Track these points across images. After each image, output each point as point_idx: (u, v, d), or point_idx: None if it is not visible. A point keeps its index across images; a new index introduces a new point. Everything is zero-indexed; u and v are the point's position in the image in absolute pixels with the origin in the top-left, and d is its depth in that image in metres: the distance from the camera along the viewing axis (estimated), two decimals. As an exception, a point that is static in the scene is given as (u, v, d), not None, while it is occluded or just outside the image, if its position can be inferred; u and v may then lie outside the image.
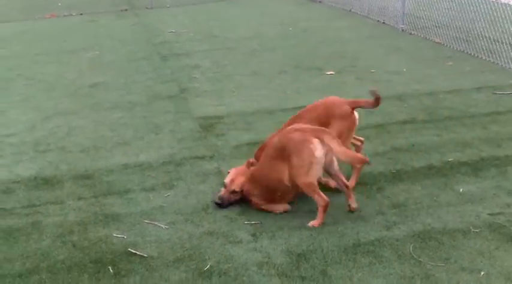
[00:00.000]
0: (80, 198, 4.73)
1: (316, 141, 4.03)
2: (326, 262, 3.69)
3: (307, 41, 10.23)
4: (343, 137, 4.39)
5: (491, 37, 8.58)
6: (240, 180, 4.43)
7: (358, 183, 4.66)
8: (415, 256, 3.70)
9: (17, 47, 10.99)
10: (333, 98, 4.76)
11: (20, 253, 4.00)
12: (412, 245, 3.81)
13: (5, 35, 12.22)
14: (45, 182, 5.06)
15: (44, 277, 3.72)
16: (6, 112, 7.04)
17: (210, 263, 3.75)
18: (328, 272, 3.59)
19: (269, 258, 3.77)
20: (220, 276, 3.62)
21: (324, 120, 4.52)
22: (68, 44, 11.00)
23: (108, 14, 14.13)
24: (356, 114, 4.62)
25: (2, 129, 6.42)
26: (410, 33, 10.33)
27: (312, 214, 4.23)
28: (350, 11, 12.71)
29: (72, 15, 14.47)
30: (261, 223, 4.20)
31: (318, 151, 4.03)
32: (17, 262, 3.90)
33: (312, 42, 10.10)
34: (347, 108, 4.56)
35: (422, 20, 10.54)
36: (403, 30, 10.59)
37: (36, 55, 10.16)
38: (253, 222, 4.22)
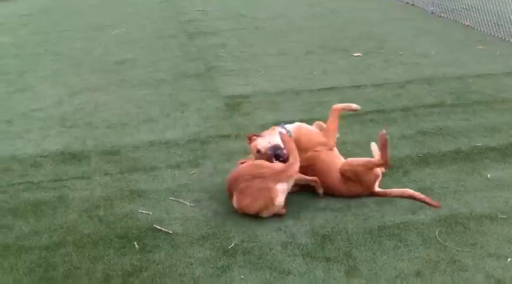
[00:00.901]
0: (106, 174, 4.77)
1: (276, 188, 3.94)
2: (351, 243, 3.68)
3: (334, 21, 10.14)
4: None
5: (524, 21, 8.42)
6: None
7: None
8: (440, 240, 3.67)
9: (44, 22, 11.05)
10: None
11: (47, 226, 4.05)
12: (438, 229, 3.77)
13: (32, 10, 12.29)
14: (72, 157, 5.10)
15: (70, 250, 3.76)
16: (34, 87, 7.09)
17: (234, 242, 3.76)
18: (353, 254, 3.58)
19: (293, 238, 3.77)
20: (244, 255, 3.63)
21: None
22: (95, 20, 11.03)
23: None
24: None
25: (30, 104, 6.48)
26: (440, 16, 10.18)
27: (337, 197, 4.23)
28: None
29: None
30: (286, 203, 4.20)
31: (278, 198, 3.96)
32: (44, 234, 3.95)
33: (339, 22, 10.01)
34: None
35: (452, 2, 10.38)
36: (432, 12, 10.44)
37: (63, 31, 10.20)
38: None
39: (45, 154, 5.17)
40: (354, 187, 4.19)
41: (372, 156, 4.52)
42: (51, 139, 5.49)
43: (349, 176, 4.17)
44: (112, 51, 8.66)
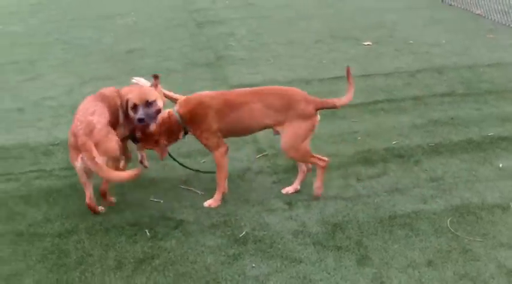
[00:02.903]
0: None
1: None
2: (362, 233, 3.69)
3: (344, 10, 10.10)
4: (299, 138, 3.96)
5: (535, 10, 8.36)
6: None
7: (396, 155, 4.64)
8: (452, 230, 3.67)
9: (54, 11, 11.06)
10: (298, 91, 4.14)
11: (59, 213, 4.08)
12: (449, 219, 3.77)
13: (36, 0, 12.28)
14: (83, 145, 5.11)
15: (82, 237, 3.79)
16: (45, 76, 7.12)
17: (245, 230, 3.78)
18: (364, 243, 3.59)
19: (304, 227, 3.78)
20: (255, 243, 3.65)
21: (282, 110, 3.97)
22: (105, 9, 11.03)
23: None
24: (317, 116, 4.08)
25: (42, 92, 6.51)
26: (450, 4, 10.12)
27: (347, 186, 4.24)
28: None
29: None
30: (296, 192, 4.20)
31: (77, 162, 3.84)
32: (56, 222, 3.98)
33: (348, 11, 9.97)
34: (310, 108, 4.00)
35: (463, -9, 10.31)
36: (442, 1, 10.37)
37: (73, 20, 10.21)
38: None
39: (56, 143, 5.19)
40: None
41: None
42: (62, 127, 5.51)
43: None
44: (121, 40, 8.66)
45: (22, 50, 8.36)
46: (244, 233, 3.75)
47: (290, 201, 4.09)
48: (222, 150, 4.07)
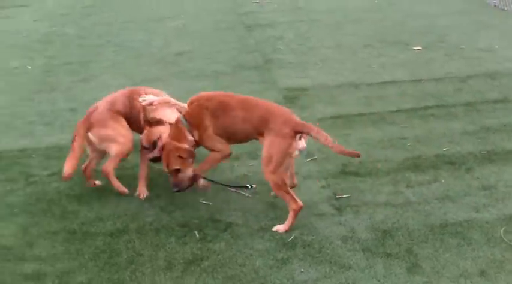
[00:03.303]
0: (167, 163, 4.84)
1: None
2: (412, 240, 3.65)
3: (393, 14, 9.99)
4: (274, 156, 3.74)
5: None
6: None
7: (447, 162, 4.58)
8: (506, 240, 3.59)
9: (106, 14, 11.25)
10: (283, 110, 3.96)
11: (111, 213, 4.16)
12: (503, 229, 3.70)
13: (95, 2, 12.53)
14: (135, 146, 5.18)
15: (133, 237, 3.86)
16: (97, 77, 7.26)
17: (294, 234, 3.78)
18: (414, 250, 3.55)
19: (353, 233, 3.76)
20: (304, 248, 3.65)
21: (260, 125, 3.87)
22: (155, 12, 11.18)
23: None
24: (302, 141, 3.83)
25: (94, 93, 6.59)
26: (503, 9, 9.91)
27: (397, 193, 4.20)
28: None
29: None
30: (346, 197, 4.19)
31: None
32: (108, 221, 4.05)
33: (398, 15, 9.86)
34: (287, 129, 3.75)
35: (516, -4, 10.08)
36: (495, 5, 10.17)
37: (124, 22, 10.38)
38: (337, 196, 4.21)
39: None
40: None
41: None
42: (113, 128, 5.60)
43: None
44: (171, 43, 8.76)
45: (75, 52, 8.54)
46: (292, 237, 3.76)
47: (339, 206, 4.08)
48: (224, 152, 4.05)
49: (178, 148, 3.93)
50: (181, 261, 3.58)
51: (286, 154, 3.76)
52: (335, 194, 4.25)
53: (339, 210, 4.04)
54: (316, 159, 4.80)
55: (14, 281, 3.48)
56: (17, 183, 4.65)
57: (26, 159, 5.06)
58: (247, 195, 4.30)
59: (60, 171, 4.76)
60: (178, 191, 4.05)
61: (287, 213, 4.01)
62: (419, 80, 6.56)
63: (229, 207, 4.16)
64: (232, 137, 4.07)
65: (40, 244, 3.83)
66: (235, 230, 3.87)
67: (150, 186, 4.47)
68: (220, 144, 4.04)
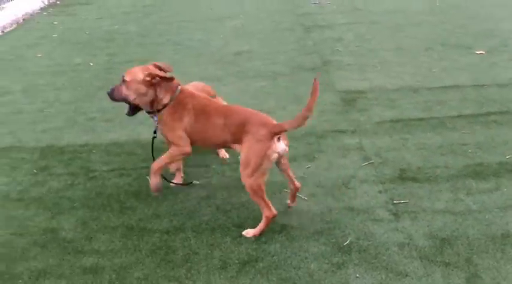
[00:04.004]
0: (224, 163, 4.87)
1: None
2: (472, 250, 3.57)
3: (455, 17, 9.79)
4: (252, 160, 3.70)
5: None
6: None
7: (510, 170, 4.46)
8: None
9: (166, 13, 11.42)
10: (259, 116, 3.89)
11: (168, 210, 4.21)
12: None
13: (156, 1, 12.72)
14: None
15: (189, 235, 3.89)
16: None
17: (349, 239, 3.75)
18: (474, 260, 3.46)
19: (411, 240, 3.70)
20: (359, 253, 3.61)
21: (237, 131, 3.85)
22: (214, 12, 11.27)
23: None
24: (281, 143, 3.77)
25: (153, 91, 6.72)
26: None
27: (456, 200, 4.11)
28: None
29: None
30: (403, 203, 4.12)
31: None
32: (165, 218, 4.11)
33: (460, 18, 9.65)
34: (264, 131, 3.71)
35: None
36: None
37: (183, 21, 10.51)
38: (395, 201, 4.15)
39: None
40: None
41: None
42: (171, 126, 5.67)
43: None
44: (230, 43, 8.82)
45: (136, 50, 8.70)
46: (348, 241, 3.72)
47: (396, 212, 4.02)
48: (183, 148, 4.04)
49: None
50: (236, 261, 3.60)
51: (264, 157, 3.70)
52: (392, 199, 4.19)
53: (396, 215, 3.98)
54: (373, 163, 4.75)
55: (73, 274, 3.57)
56: (77, 178, 4.77)
57: (86, 154, 5.19)
58: (303, 197, 4.28)
59: (120, 166, 4.88)
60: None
61: (343, 216, 3.99)
62: (482, 85, 6.40)
63: (284, 208, 4.15)
64: (207, 142, 4.07)
65: (99, 238, 3.91)
66: (290, 232, 3.87)
67: (205, 185, 4.52)
68: (183, 141, 4.04)
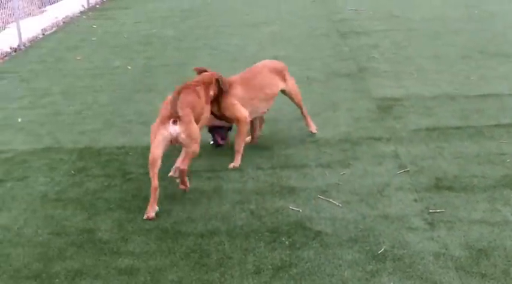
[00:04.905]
0: (258, 168, 4.89)
1: None
2: (509, 261, 3.51)
3: (494, 25, 9.66)
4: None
5: None
6: None
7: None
8: None
9: (203, 17, 11.52)
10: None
11: (202, 214, 4.24)
12: None
13: (193, 6, 12.85)
14: (227, 149, 5.27)
15: (223, 239, 3.92)
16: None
17: (384, 247, 3.72)
18: (511, 272, 3.41)
19: (446, 250, 3.66)
20: (394, 261, 3.58)
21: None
22: (250, 17, 11.33)
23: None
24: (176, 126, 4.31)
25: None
26: None
27: (493, 211, 4.05)
28: (545, -6, 11.79)
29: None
30: (439, 212, 4.08)
31: None
32: (199, 222, 4.14)
33: (499, 26, 9.53)
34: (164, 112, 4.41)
35: None
36: None
37: (220, 26, 10.58)
38: (430, 210, 4.11)
39: (202, 145, 5.36)
40: None
41: None
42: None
43: None
44: (265, 48, 8.85)
45: (173, 53, 8.79)
46: (382, 250, 3.70)
47: (432, 221, 3.98)
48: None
49: None
50: (270, 266, 3.60)
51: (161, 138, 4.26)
52: (428, 208, 4.15)
53: (432, 224, 3.95)
54: (408, 171, 4.71)
55: (108, 274, 3.62)
56: (114, 179, 4.84)
57: (123, 157, 5.26)
58: (337, 203, 4.27)
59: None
60: None
61: (377, 224, 3.97)
62: (521, 94, 6.31)
63: (319, 215, 4.15)
64: None
65: (134, 240, 3.96)
66: (324, 239, 3.86)
67: (240, 190, 4.54)
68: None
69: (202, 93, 4.67)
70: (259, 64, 5.35)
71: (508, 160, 4.80)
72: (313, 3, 12.54)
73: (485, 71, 7.23)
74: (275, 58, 8.12)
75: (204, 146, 5.32)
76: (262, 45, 9.02)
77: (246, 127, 4.93)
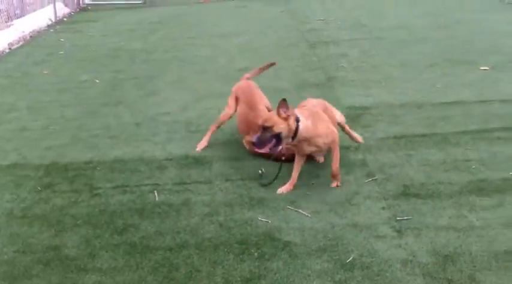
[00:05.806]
0: (227, 180, 4.88)
1: None
2: (474, 266, 3.55)
3: (459, 33, 9.80)
4: None
5: None
6: None
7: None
8: None
9: (172, 29, 11.50)
10: None
11: (171, 227, 4.21)
12: None
13: (163, 17, 12.82)
14: (196, 161, 5.26)
15: (192, 252, 3.89)
16: (162, 92, 7.40)
17: (352, 256, 3.73)
18: (477, 277, 3.45)
19: (414, 256, 3.69)
20: (362, 270, 3.60)
21: None
22: (219, 28, 11.35)
23: (258, 0, 14.33)
24: None
25: (158, 108, 6.76)
26: None
27: (460, 217, 4.10)
28: (508, 3, 12.01)
29: (224, 0, 14.86)
30: (407, 219, 4.11)
31: None
32: (168, 236, 4.11)
33: (465, 34, 9.67)
34: None
35: None
36: None
37: (189, 38, 10.57)
38: (398, 218, 4.14)
39: (170, 158, 5.36)
40: None
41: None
42: (176, 143, 5.70)
43: None
44: (235, 59, 8.86)
45: (141, 66, 8.76)
46: (351, 258, 3.71)
47: (400, 229, 4.01)
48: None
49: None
50: (239, 279, 3.59)
51: None
52: (395, 216, 4.18)
53: (400, 232, 3.97)
54: (376, 179, 4.74)
55: (76, 291, 3.57)
56: (81, 195, 4.78)
57: (90, 171, 5.20)
58: (306, 214, 4.28)
59: (123, 183, 4.89)
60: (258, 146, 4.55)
61: (346, 233, 3.99)
62: (486, 101, 6.39)
63: (288, 225, 4.15)
64: None
65: (102, 255, 3.92)
66: (293, 249, 3.86)
67: (210, 201, 4.52)
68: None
69: None
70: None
71: (474, 167, 4.86)
72: (282, 13, 12.60)
73: (452, 78, 7.33)
74: (244, 69, 8.17)
75: (173, 159, 5.32)
76: (231, 56, 9.03)
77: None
